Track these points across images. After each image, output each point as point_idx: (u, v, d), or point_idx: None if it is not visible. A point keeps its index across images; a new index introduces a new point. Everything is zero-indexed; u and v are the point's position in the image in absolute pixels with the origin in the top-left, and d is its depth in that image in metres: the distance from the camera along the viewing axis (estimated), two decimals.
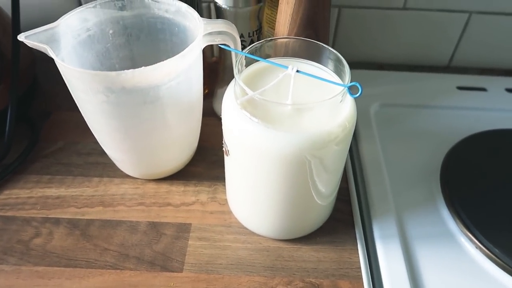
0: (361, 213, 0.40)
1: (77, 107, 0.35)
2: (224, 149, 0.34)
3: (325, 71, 0.33)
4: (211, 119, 0.48)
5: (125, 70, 0.29)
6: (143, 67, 0.30)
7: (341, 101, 0.30)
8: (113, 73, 0.29)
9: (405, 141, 0.47)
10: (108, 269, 0.34)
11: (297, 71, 0.29)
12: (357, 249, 0.37)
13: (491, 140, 0.47)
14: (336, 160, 0.32)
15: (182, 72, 0.33)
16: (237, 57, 0.31)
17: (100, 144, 0.39)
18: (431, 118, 0.50)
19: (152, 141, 0.36)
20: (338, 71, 0.32)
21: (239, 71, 0.32)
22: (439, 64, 0.58)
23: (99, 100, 0.31)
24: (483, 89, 0.54)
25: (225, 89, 0.47)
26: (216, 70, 0.48)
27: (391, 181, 0.42)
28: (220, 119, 0.48)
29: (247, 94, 0.29)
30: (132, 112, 0.33)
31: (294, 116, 0.29)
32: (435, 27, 0.54)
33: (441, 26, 0.54)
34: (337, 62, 0.32)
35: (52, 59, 0.32)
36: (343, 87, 0.29)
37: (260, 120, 0.29)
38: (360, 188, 0.42)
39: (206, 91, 0.51)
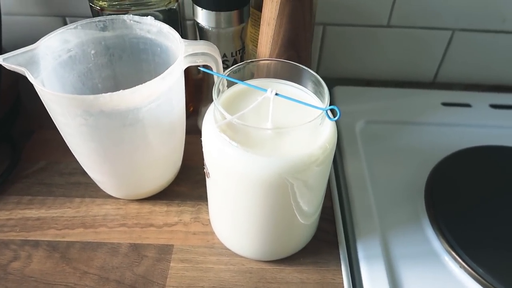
0: (345, 232, 0.40)
1: None
2: (205, 170, 0.34)
3: (306, 93, 0.33)
4: (196, 137, 0.46)
5: (103, 94, 0.29)
6: (121, 91, 0.29)
7: (320, 124, 0.30)
8: (91, 96, 0.29)
9: (390, 158, 0.47)
10: None
11: (276, 94, 0.29)
12: (341, 270, 0.36)
13: (476, 156, 0.47)
14: (317, 180, 0.32)
15: (163, 94, 0.32)
16: (218, 80, 0.31)
17: (82, 165, 0.38)
18: (416, 134, 0.50)
19: (133, 162, 0.36)
20: (318, 93, 0.32)
21: (220, 92, 0.32)
22: (424, 80, 0.59)
23: (77, 123, 0.31)
24: (468, 105, 0.54)
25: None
26: (201, 88, 0.48)
27: (376, 199, 0.42)
28: None
29: (226, 118, 0.28)
30: (111, 134, 0.32)
31: (274, 139, 0.29)
32: (419, 44, 0.55)
33: (425, 43, 0.55)
34: (317, 84, 0.32)
35: None
36: (321, 111, 0.29)
37: (239, 144, 0.29)
38: (345, 207, 0.42)
39: (191, 108, 0.51)
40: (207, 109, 0.47)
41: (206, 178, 0.34)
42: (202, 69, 0.33)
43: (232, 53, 0.41)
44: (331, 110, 0.28)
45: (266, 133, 0.29)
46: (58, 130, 0.36)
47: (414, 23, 0.53)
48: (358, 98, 0.54)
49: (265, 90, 0.29)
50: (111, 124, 0.31)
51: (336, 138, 0.32)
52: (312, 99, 0.33)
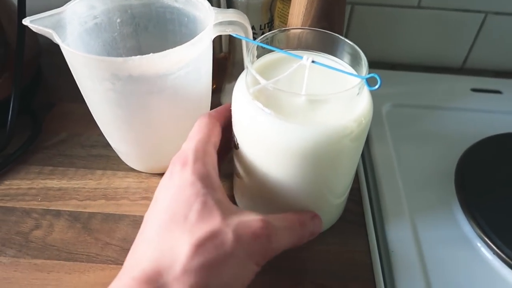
0: (372, 214, 0.39)
1: (80, 99, 0.34)
2: (233, 142, 0.33)
3: (340, 64, 0.32)
4: None
5: (132, 57, 0.28)
6: (151, 54, 0.28)
7: (358, 94, 0.28)
8: (120, 59, 0.28)
9: (418, 143, 0.46)
10: (110, 264, 0.33)
11: (313, 61, 0.28)
12: (369, 251, 0.35)
13: (507, 143, 0.45)
14: (350, 158, 0.31)
15: (191, 61, 0.31)
16: (249, 47, 0.30)
17: (105, 135, 0.38)
18: (445, 119, 0.49)
19: (158, 133, 0.35)
20: (355, 65, 0.31)
21: (251, 61, 0.31)
22: (452, 66, 0.57)
23: (104, 88, 0.30)
24: (498, 92, 0.52)
25: (234, 84, 0.46)
26: (225, 65, 0.47)
27: (404, 183, 0.41)
28: None
29: (259, 83, 0.27)
30: (139, 101, 0.31)
31: (307, 108, 0.28)
32: (449, 27, 0.53)
33: (456, 26, 0.53)
34: (354, 55, 0.31)
35: (57, 51, 0.30)
36: (360, 79, 0.27)
37: (272, 111, 0.27)
38: (371, 189, 0.41)
39: (214, 86, 0.50)
40: (231, 86, 0.46)
41: (234, 150, 0.33)
42: (234, 35, 0.31)
43: (260, 25, 0.40)
44: (371, 79, 0.27)
45: (300, 101, 0.28)
46: (78, 104, 0.35)
47: (445, 5, 0.51)
48: (384, 81, 0.51)
49: (301, 57, 0.28)
50: (139, 90, 0.30)
51: (372, 114, 0.30)
52: (347, 70, 0.31)
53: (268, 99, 0.28)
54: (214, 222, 0.24)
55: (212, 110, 0.32)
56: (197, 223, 0.24)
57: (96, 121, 0.36)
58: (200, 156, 0.27)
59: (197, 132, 0.29)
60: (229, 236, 0.24)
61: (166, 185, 0.27)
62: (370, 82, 0.27)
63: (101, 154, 0.42)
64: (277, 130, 0.27)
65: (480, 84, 0.53)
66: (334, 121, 0.28)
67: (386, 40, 0.55)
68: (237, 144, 0.31)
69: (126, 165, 0.41)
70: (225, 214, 0.25)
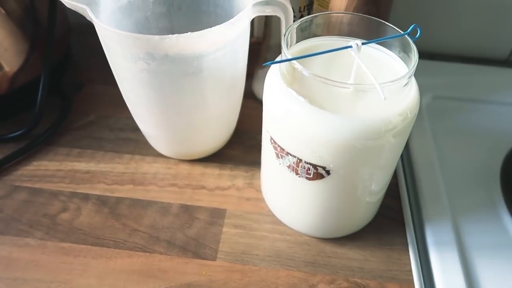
0: (411, 211, 0.36)
1: (110, 81, 0.33)
2: (263, 134, 0.31)
3: (389, 55, 0.30)
4: (250, 102, 0.45)
5: (170, 35, 0.27)
6: (189, 33, 0.27)
7: (405, 85, 0.26)
8: (156, 37, 0.27)
9: (460, 137, 0.43)
10: (137, 251, 0.32)
11: (362, 43, 0.26)
12: (408, 250, 0.33)
13: None
14: (390, 155, 0.29)
15: (229, 42, 0.30)
16: (289, 29, 0.28)
17: (134, 118, 0.36)
18: (489, 114, 0.46)
19: (191, 117, 0.33)
20: (405, 56, 0.29)
21: (288, 46, 0.28)
22: (496, 57, 0.53)
23: (138, 68, 0.29)
24: None
25: (267, 70, 0.45)
26: (256, 51, 0.45)
27: (445, 179, 0.38)
28: (260, 101, 0.45)
29: (295, 73, 0.25)
30: (173, 83, 0.30)
31: (347, 98, 0.26)
32: (496, 14, 0.50)
33: (504, 12, 0.49)
34: (403, 45, 0.28)
35: (87, 31, 0.29)
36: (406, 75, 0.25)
37: (307, 100, 0.25)
38: (409, 185, 0.39)
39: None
40: (264, 71, 0.44)
41: (263, 142, 0.32)
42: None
43: (300, 8, 0.38)
44: (412, 31, 0.25)
45: (339, 91, 0.26)
46: (108, 85, 0.34)
47: None
48: (423, 71, 0.49)
49: (347, 47, 0.26)
50: (174, 70, 0.29)
51: (418, 108, 0.28)
52: (397, 63, 0.29)
53: (303, 87, 0.26)
54: None
55: None
56: None
57: (127, 102, 0.35)
58: None
59: None
60: None
61: None
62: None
63: (129, 138, 0.41)
64: (313, 120, 0.25)
65: None
66: (376, 114, 0.25)
67: (427, 28, 0.52)
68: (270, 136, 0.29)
69: (155, 150, 0.40)
70: None
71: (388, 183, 0.33)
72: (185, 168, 0.38)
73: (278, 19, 0.32)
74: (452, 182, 0.38)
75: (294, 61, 0.25)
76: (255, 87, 0.46)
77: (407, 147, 0.42)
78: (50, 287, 0.30)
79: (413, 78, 0.28)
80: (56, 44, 0.43)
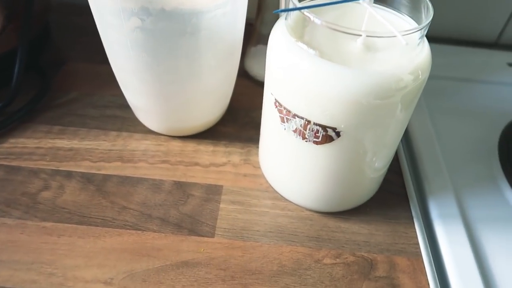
0: (413, 186, 0.35)
1: (94, 58, 0.31)
2: (265, 99, 0.29)
3: (397, 15, 0.28)
4: (242, 80, 0.43)
5: None
6: None
7: (419, 40, 0.25)
8: None
9: (456, 115, 0.43)
10: (128, 229, 0.30)
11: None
12: (413, 223, 0.32)
13: None
14: (397, 123, 0.27)
15: (230, 0, 0.28)
16: None
17: (122, 88, 0.34)
18: (482, 93, 0.46)
19: (186, 86, 0.31)
20: (414, 11, 0.27)
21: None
22: (486, 40, 0.54)
23: (131, 26, 0.27)
24: None
25: (259, 48, 0.43)
26: (250, 31, 0.43)
27: (444, 155, 0.38)
28: (253, 79, 0.43)
29: (305, 24, 0.24)
30: (169, 44, 0.28)
31: (358, 53, 0.25)
32: None
33: None
34: (412, 2, 0.27)
35: (68, 11, 0.27)
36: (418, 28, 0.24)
37: (318, 53, 0.24)
38: (409, 161, 0.38)
39: None
40: (257, 49, 0.43)
41: (263, 108, 0.30)
42: None
43: None
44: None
45: (349, 45, 0.25)
46: (90, 63, 0.32)
47: None
48: None
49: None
50: (171, 29, 0.27)
51: (429, 72, 0.27)
52: (407, 23, 0.28)
53: (313, 40, 0.24)
54: None
55: None
56: None
57: (115, 71, 0.32)
58: None
59: None
60: None
61: None
62: None
63: (115, 115, 0.38)
64: (323, 75, 0.24)
65: None
66: (388, 69, 0.24)
67: None
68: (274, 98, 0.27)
69: (144, 126, 0.37)
70: None
71: (393, 156, 0.32)
72: (177, 144, 0.36)
73: None
74: (451, 157, 0.38)
75: (305, 10, 0.23)
76: (248, 65, 0.44)
77: None
78: (31, 269, 0.27)
79: (425, 39, 0.27)
80: (34, 18, 0.40)
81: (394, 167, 0.36)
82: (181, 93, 0.32)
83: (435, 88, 0.45)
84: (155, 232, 0.30)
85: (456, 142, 0.40)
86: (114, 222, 0.30)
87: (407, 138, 0.40)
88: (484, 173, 0.37)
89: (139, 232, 0.29)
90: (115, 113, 0.38)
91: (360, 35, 0.24)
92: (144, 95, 0.32)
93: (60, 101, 0.39)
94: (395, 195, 0.34)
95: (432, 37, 0.53)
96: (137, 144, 0.36)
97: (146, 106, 0.34)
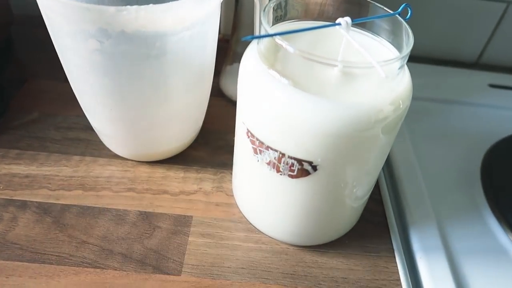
0: (394, 216, 0.34)
1: (59, 76, 0.28)
2: (237, 128, 0.27)
3: (377, 41, 0.27)
4: (217, 100, 0.41)
5: (128, 6, 0.22)
6: (151, 5, 0.23)
7: (399, 69, 0.24)
8: (112, 8, 0.22)
9: (437, 138, 0.42)
10: (86, 267, 0.27)
11: (352, 21, 0.23)
12: (394, 257, 0.30)
13: None
14: (379, 151, 0.26)
15: (198, 22, 0.26)
16: (266, 6, 0.24)
17: (85, 113, 0.32)
18: (462, 115, 0.45)
19: (152, 111, 0.29)
20: (395, 38, 0.26)
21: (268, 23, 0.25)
22: (465, 60, 0.53)
23: (89, 48, 0.24)
24: None
25: (235, 66, 0.41)
26: (224, 48, 0.41)
27: (427, 182, 0.36)
28: (228, 99, 0.41)
29: (277, 51, 0.22)
30: (131, 68, 0.26)
31: (335, 83, 0.23)
32: (466, 18, 0.49)
33: (474, 16, 0.49)
34: (393, 27, 0.26)
35: (32, 22, 0.25)
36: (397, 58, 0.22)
37: (291, 82, 0.22)
38: (389, 188, 0.36)
39: None
40: (233, 68, 0.41)
41: (236, 137, 0.28)
42: None
43: None
44: (403, 11, 0.23)
45: (325, 74, 0.23)
46: (55, 81, 0.30)
47: None
48: None
49: (334, 24, 0.23)
50: (133, 52, 0.25)
51: (410, 101, 0.25)
52: (386, 48, 0.26)
53: (287, 68, 0.23)
54: None
55: None
56: None
57: (76, 94, 0.30)
58: None
59: None
60: None
61: None
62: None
63: (79, 138, 0.36)
64: (297, 105, 0.22)
65: (497, 80, 0.49)
66: (367, 101, 0.22)
67: None
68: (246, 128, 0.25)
69: (110, 151, 0.35)
70: None
71: (375, 183, 0.30)
72: (144, 170, 0.34)
73: (247, 11, 0.29)
74: (433, 184, 0.36)
75: (277, 37, 0.21)
76: (223, 85, 0.42)
77: None
78: None
79: (406, 67, 0.25)
80: None
81: (375, 195, 0.34)
82: (147, 118, 0.29)
83: (415, 109, 0.44)
84: (116, 270, 0.27)
85: (438, 167, 0.38)
86: (70, 259, 0.27)
87: (388, 163, 0.38)
88: (467, 201, 0.36)
89: (98, 270, 0.27)
90: (79, 135, 0.36)
91: (336, 66, 0.22)
92: (107, 120, 0.30)
93: (19, 122, 0.37)
94: (375, 225, 0.32)
95: (412, 57, 0.52)
96: (101, 170, 0.33)
97: (109, 131, 0.31)
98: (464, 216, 0.34)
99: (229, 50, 0.41)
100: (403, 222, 0.33)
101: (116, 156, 0.34)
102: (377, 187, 0.35)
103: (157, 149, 0.33)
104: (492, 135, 0.42)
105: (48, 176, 0.32)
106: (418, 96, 0.45)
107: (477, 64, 0.53)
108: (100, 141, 0.35)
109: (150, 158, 0.34)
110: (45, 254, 0.27)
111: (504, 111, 0.46)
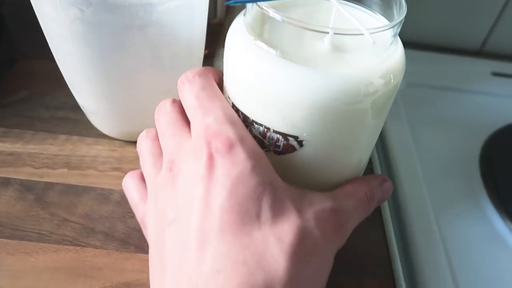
0: (388, 201, 0.33)
1: (48, 56, 0.28)
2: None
3: (369, 15, 0.26)
4: None
5: None
6: None
7: (390, 43, 0.22)
8: None
9: (436, 125, 0.40)
10: (66, 245, 0.26)
11: None
12: (386, 242, 0.29)
13: None
14: (369, 130, 0.25)
15: None
16: None
17: (71, 88, 0.31)
18: (463, 102, 0.44)
19: (137, 86, 0.28)
20: (389, 14, 0.25)
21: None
22: (469, 48, 0.52)
23: (70, 17, 0.24)
24: None
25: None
26: (219, 31, 0.40)
27: (423, 167, 0.35)
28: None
29: (264, 21, 0.21)
30: (114, 38, 0.25)
31: (323, 53, 0.22)
32: (470, 4, 0.48)
33: (477, 3, 0.48)
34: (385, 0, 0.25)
35: (24, 4, 0.24)
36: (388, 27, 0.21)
37: (278, 53, 0.21)
38: (385, 173, 0.35)
39: (207, 51, 0.43)
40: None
41: None
42: None
43: None
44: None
45: (314, 44, 0.22)
46: (47, 60, 0.29)
47: None
48: None
49: None
50: (115, 21, 0.24)
51: (402, 76, 0.24)
52: (378, 21, 0.25)
53: (274, 39, 0.22)
54: (293, 218, 0.19)
55: (194, 69, 0.24)
56: (275, 223, 0.19)
57: (60, 68, 0.29)
58: (242, 130, 0.21)
59: (212, 97, 0.22)
60: (315, 234, 0.19)
61: (208, 178, 0.19)
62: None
63: (67, 117, 0.35)
64: (284, 77, 0.21)
65: (500, 69, 0.48)
66: (356, 72, 0.21)
67: None
68: (230, 100, 0.24)
69: (97, 130, 0.34)
70: (297, 203, 0.20)
71: (365, 168, 0.29)
72: (132, 150, 0.33)
73: None
74: (430, 171, 0.35)
75: (263, 4, 0.20)
76: (217, 67, 0.41)
77: (382, 133, 0.39)
78: None
79: (399, 40, 0.24)
80: None
81: None
82: (132, 94, 0.29)
83: (416, 96, 0.43)
84: (96, 248, 0.26)
85: (436, 152, 0.38)
86: (51, 237, 0.27)
87: (384, 149, 0.37)
88: (464, 188, 0.35)
89: (78, 248, 0.26)
90: (68, 115, 0.35)
91: (327, 32, 0.21)
92: (92, 96, 0.29)
93: (8, 101, 0.36)
94: None
95: (415, 44, 0.51)
96: (87, 149, 0.33)
97: (96, 108, 0.31)
98: (461, 203, 0.33)
99: (222, 32, 0.40)
100: (397, 208, 0.32)
101: (104, 136, 0.34)
102: (371, 170, 0.34)
103: (143, 128, 0.32)
104: (492, 123, 0.41)
105: (33, 154, 0.32)
106: (419, 82, 0.45)
107: (481, 52, 0.52)
108: (88, 121, 0.34)
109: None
110: (25, 231, 0.27)
111: (506, 100, 0.44)
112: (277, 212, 0.19)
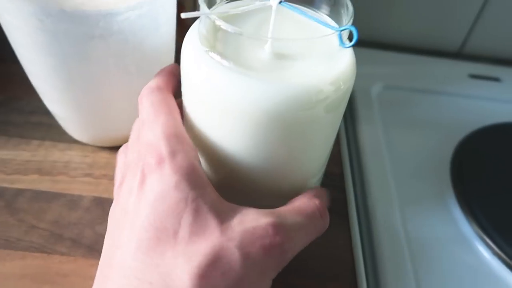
0: (356, 205, 0.33)
1: None
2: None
3: (318, 15, 0.26)
4: None
5: None
6: None
7: (338, 51, 0.23)
8: None
9: (410, 128, 0.41)
10: (33, 251, 0.27)
11: (280, 2, 0.22)
12: (351, 247, 0.30)
13: (508, 132, 0.41)
14: (324, 131, 0.25)
15: (146, 2, 0.25)
16: None
17: (39, 94, 0.31)
18: (440, 105, 0.44)
19: (103, 93, 0.28)
20: (336, 14, 0.25)
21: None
22: (448, 50, 0.52)
23: (31, 27, 0.24)
24: (497, 79, 0.48)
25: None
26: None
27: (394, 171, 0.36)
28: None
29: (216, 32, 0.21)
30: (76, 47, 0.25)
31: (275, 63, 0.22)
32: (448, 6, 0.48)
33: (455, 5, 0.48)
34: (335, 3, 0.25)
35: None
36: (334, 31, 0.21)
37: (231, 64, 0.21)
38: (356, 177, 0.36)
39: None
40: None
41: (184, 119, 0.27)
42: None
43: None
44: (347, 34, 0.21)
45: (266, 54, 0.22)
46: (20, 64, 0.29)
47: None
48: (374, 60, 0.47)
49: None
50: (76, 31, 0.24)
51: (353, 81, 0.24)
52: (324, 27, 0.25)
53: (226, 51, 0.22)
54: (212, 236, 0.18)
55: (155, 80, 0.24)
56: (191, 241, 0.18)
57: (28, 74, 0.29)
58: (176, 145, 0.20)
59: (157, 113, 0.22)
60: (235, 256, 0.18)
61: (138, 193, 0.19)
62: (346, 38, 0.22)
63: (41, 122, 0.35)
64: (235, 86, 0.21)
65: (478, 71, 0.48)
66: (306, 81, 0.22)
67: (377, 17, 0.50)
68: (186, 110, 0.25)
69: (70, 136, 0.34)
70: (224, 221, 0.19)
71: (323, 170, 0.29)
72: (104, 156, 0.33)
73: None
74: (401, 173, 0.36)
75: (214, 16, 0.21)
76: None
77: (354, 136, 0.39)
78: None
79: (350, 48, 0.24)
80: None
81: (338, 183, 0.34)
82: (100, 100, 0.29)
83: (393, 99, 0.43)
84: (63, 255, 0.27)
85: (408, 156, 0.38)
86: (18, 244, 0.27)
87: (357, 151, 0.38)
88: (433, 190, 0.35)
89: (45, 255, 0.27)
90: (42, 120, 0.35)
91: (265, 40, 0.22)
92: (60, 103, 0.29)
93: None
94: (334, 214, 0.31)
95: (394, 45, 0.51)
96: (60, 155, 0.33)
97: (65, 114, 0.31)
98: (428, 205, 0.34)
99: None
100: (366, 212, 0.33)
101: (77, 142, 0.34)
102: (341, 175, 0.35)
103: (116, 133, 0.32)
104: (467, 126, 0.41)
105: (5, 160, 0.32)
106: (395, 85, 0.45)
107: (460, 54, 0.52)
108: (62, 127, 0.34)
109: (110, 143, 0.34)
110: None
111: (483, 102, 0.45)
112: (196, 230, 0.18)
